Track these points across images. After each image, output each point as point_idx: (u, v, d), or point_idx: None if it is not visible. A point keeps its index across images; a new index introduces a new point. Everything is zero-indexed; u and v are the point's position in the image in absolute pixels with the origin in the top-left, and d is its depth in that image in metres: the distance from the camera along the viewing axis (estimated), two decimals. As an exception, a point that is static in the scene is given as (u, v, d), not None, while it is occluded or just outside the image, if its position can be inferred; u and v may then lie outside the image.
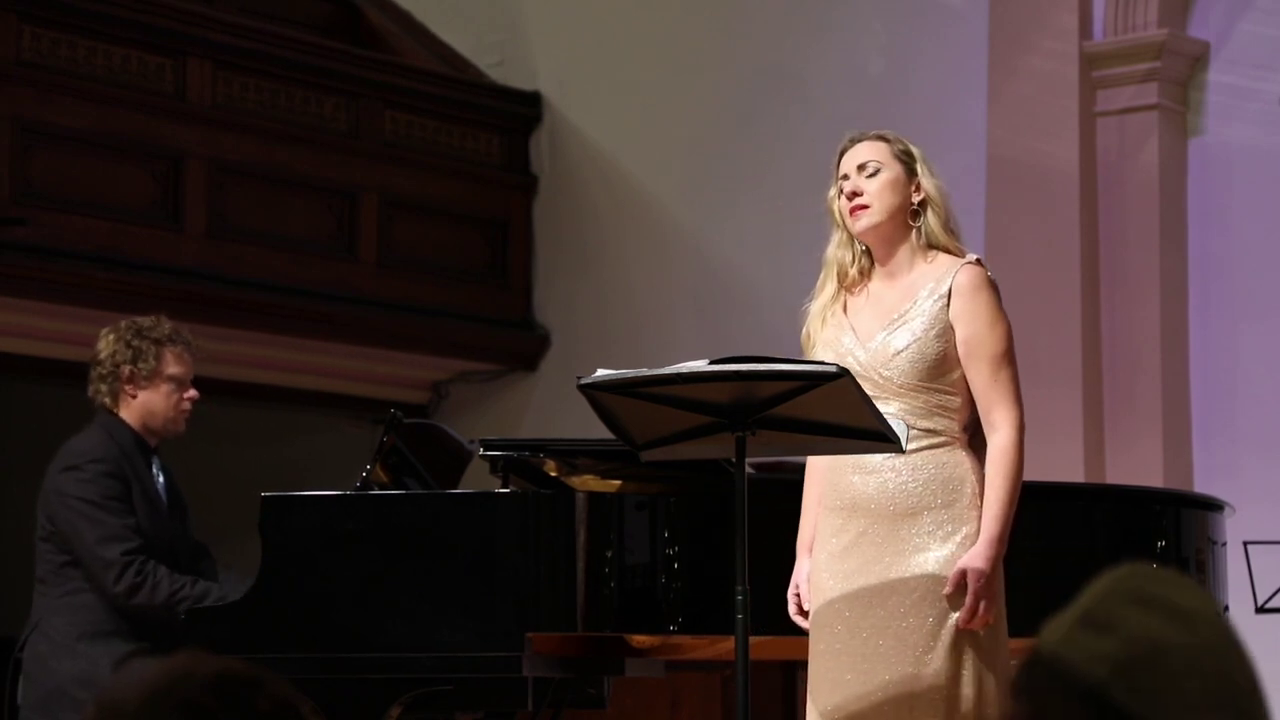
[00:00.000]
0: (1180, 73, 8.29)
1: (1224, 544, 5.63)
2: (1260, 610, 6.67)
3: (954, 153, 8.33)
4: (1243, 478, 7.79)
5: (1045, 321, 8.15)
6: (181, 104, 8.74)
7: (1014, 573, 5.07)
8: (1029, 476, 5.52)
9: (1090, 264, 8.21)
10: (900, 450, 4.19)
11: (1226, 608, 5.62)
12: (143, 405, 5.69)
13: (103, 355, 5.73)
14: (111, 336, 5.75)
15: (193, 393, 5.76)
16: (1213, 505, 5.62)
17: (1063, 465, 7.81)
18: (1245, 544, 6.55)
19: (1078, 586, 4.88)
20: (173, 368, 5.71)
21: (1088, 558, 5.29)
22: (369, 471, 5.36)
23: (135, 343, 5.69)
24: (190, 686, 1.81)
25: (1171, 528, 5.37)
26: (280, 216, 9.05)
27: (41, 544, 5.61)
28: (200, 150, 8.74)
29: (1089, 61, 8.30)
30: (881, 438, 4.16)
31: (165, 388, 5.69)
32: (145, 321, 5.77)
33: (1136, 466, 7.91)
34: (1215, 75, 8.29)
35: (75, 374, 9.10)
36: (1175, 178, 8.25)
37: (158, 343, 5.70)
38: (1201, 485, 7.80)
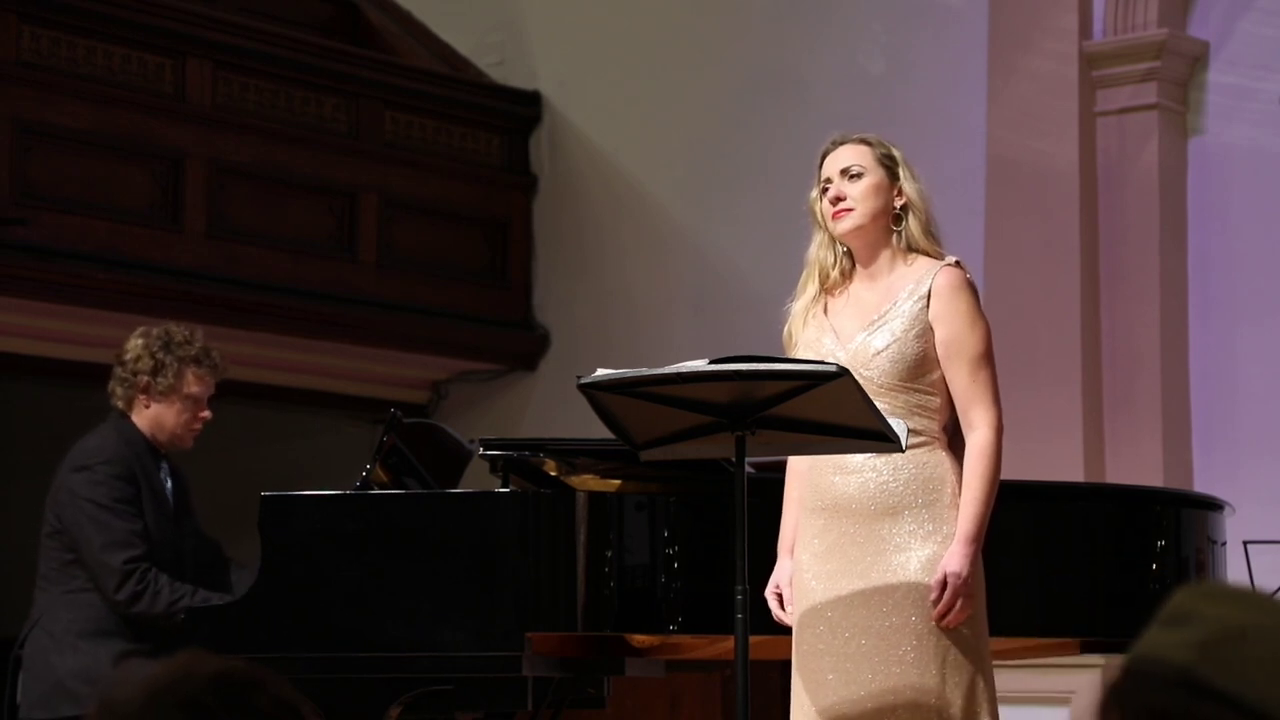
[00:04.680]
0: (1180, 73, 8.29)
1: (1224, 544, 5.63)
2: (1260, 610, 6.67)
3: (954, 153, 8.34)
4: (1243, 478, 7.79)
5: (1045, 321, 8.15)
6: (181, 104, 8.74)
7: (1014, 573, 5.08)
8: (1029, 476, 5.53)
9: (1090, 264, 8.21)
10: (900, 449, 4.20)
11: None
12: (154, 416, 5.68)
13: (127, 358, 5.71)
14: (140, 342, 5.72)
15: (206, 413, 5.75)
16: (1213, 505, 5.62)
17: (1063, 465, 7.81)
18: (1245, 544, 6.56)
19: (1078, 586, 4.90)
20: (192, 387, 5.69)
21: (1088, 558, 5.29)
22: (369, 471, 5.36)
23: (160, 355, 5.67)
24: (191, 686, 1.81)
25: (1171, 528, 5.38)
26: (280, 217, 9.05)
27: (47, 540, 5.62)
28: (200, 150, 8.75)
29: (1089, 61, 8.30)
30: (881, 437, 4.16)
31: (179, 405, 5.68)
32: (178, 335, 5.73)
33: (1136, 466, 7.91)
34: (1215, 75, 8.29)
35: (75, 374, 9.13)
36: (1175, 178, 8.25)
37: (182, 360, 5.68)
38: (1201, 485, 7.80)
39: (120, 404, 5.70)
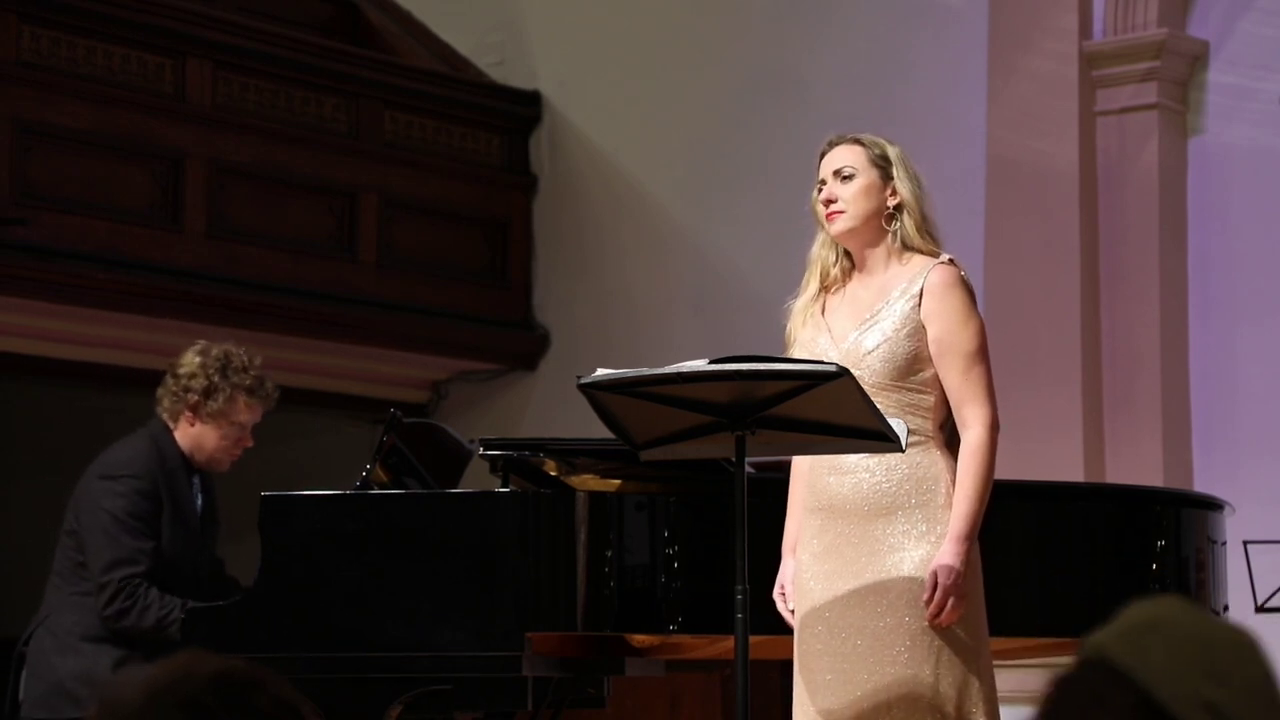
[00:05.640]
0: (1180, 72, 8.29)
1: (1224, 544, 5.63)
2: (1260, 610, 6.68)
3: (954, 153, 8.34)
4: (1243, 478, 7.79)
5: (1045, 321, 8.15)
6: (181, 104, 8.73)
7: (1014, 573, 5.08)
8: (1029, 476, 5.53)
9: (1090, 264, 8.21)
10: (900, 449, 4.20)
11: (1226, 607, 5.62)
12: (196, 435, 5.66)
13: (181, 372, 5.67)
14: (197, 360, 5.67)
15: (249, 442, 5.73)
16: (1213, 505, 5.62)
17: (1063, 465, 7.81)
18: (1245, 544, 6.56)
19: (1078, 586, 4.90)
20: (241, 415, 5.67)
21: (1088, 558, 5.29)
22: (369, 471, 5.36)
23: (215, 378, 5.62)
24: (191, 685, 1.81)
25: (1171, 528, 5.38)
26: (280, 216, 9.05)
27: (65, 538, 5.62)
28: (200, 150, 8.74)
29: (1089, 61, 8.30)
30: (881, 437, 4.16)
31: (224, 429, 5.65)
32: (236, 360, 5.68)
33: (1136, 466, 7.91)
34: (1215, 75, 8.29)
35: (75, 374, 9.14)
36: (1175, 178, 8.25)
37: (236, 387, 5.64)
38: (1201, 485, 7.80)
39: (165, 415, 5.68)
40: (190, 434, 5.65)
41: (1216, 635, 1.72)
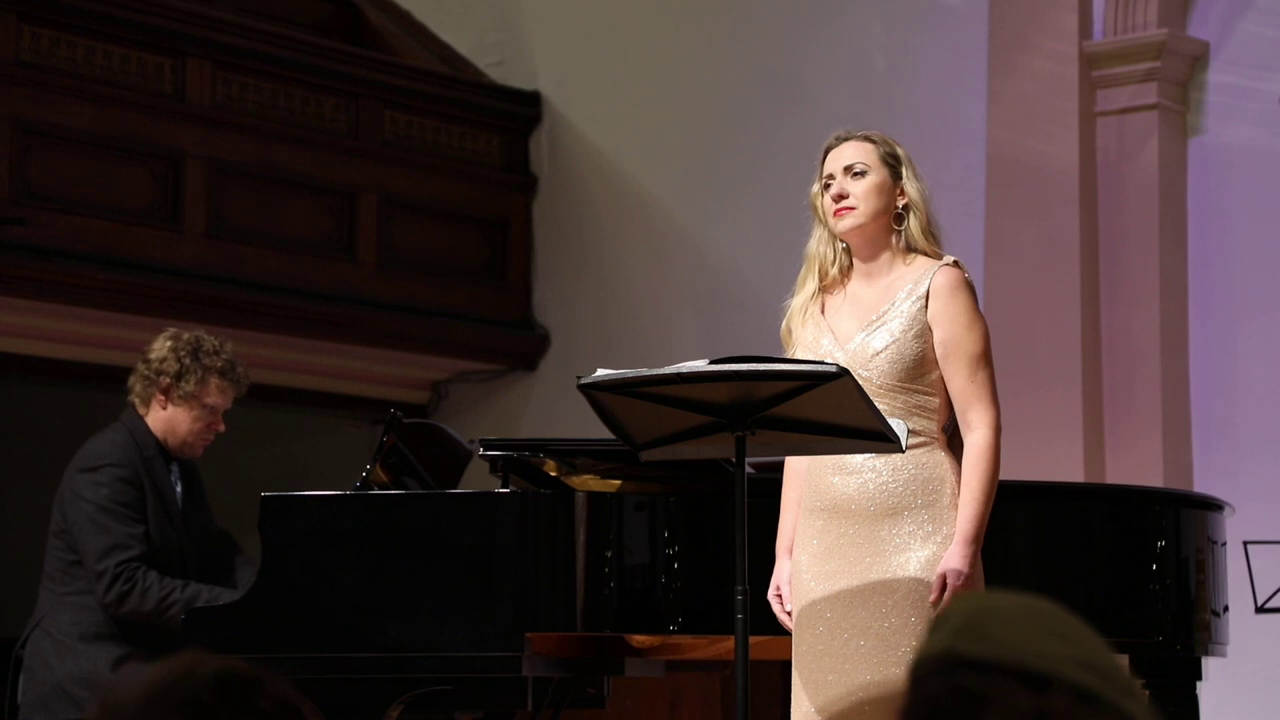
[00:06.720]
0: (1180, 73, 8.29)
1: (1224, 544, 5.62)
2: (1260, 610, 6.67)
3: (954, 153, 8.34)
4: (1243, 478, 7.79)
5: (1045, 321, 8.15)
6: (181, 104, 8.74)
7: (1014, 573, 5.07)
8: (1029, 476, 5.52)
9: (1090, 264, 8.21)
10: (900, 449, 4.20)
11: (1226, 608, 5.62)
12: (168, 419, 5.67)
13: (152, 356, 5.70)
14: (169, 344, 5.71)
15: (220, 426, 5.74)
16: (1213, 505, 5.62)
17: (1063, 465, 7.81)
18: (1245, 544, 6.55)
19: (1078, 586, 4.88)
20: (212, 397, 5.68)
21: (1088, 558, 5.29)
22: (369, 471, 5.36)
23: (187, 360, 5.66)
24: (192, 685, 1.81)
25: (1171, 528, 5.37)
26: (279, 217, 9.05)
27: (53, 539, 5.62)
28: (199, 150, 8.75)
29: (1089, 61, 8.30)
30: (881, 437, 4.16)
31: (196, 412, 5.67)
32: (208, 344, 5.72)
33: (1136, 466, 7.91)
34: (1215, 75, 8.29)
35: (75, 374, 9.14)
36: (1175, 178, 8.25)
37: (208, 369, 5.67)
38: (1201, 485, 7.80)
39: (136, 400, 5.70)
40: (162, 417, 5.67)
41: (1032, 604, 1.74)
